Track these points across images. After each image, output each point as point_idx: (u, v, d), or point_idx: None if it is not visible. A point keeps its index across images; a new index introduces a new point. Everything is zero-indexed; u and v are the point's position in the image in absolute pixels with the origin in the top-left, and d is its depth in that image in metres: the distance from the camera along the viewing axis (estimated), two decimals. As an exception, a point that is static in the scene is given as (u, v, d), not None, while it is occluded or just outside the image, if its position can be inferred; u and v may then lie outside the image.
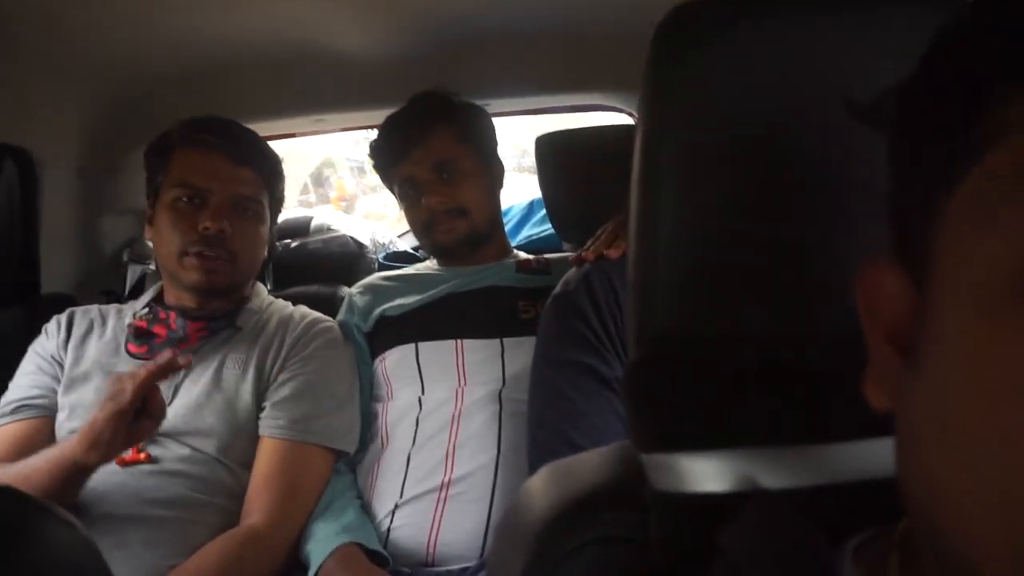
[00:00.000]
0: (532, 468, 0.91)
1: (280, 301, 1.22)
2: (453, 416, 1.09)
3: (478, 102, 1.32)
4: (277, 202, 1.20)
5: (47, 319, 1.15)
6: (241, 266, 1.11)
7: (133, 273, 1.50)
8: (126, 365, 1.06)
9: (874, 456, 0.38)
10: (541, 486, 0.49)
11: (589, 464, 0.49)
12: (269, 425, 1.04)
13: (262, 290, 1.22)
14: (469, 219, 1.21)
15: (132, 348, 1.06)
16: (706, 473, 0.39)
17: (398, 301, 1.21)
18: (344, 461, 1.14)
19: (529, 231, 1.76)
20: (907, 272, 0.29)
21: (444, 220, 1.20)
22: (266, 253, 1.20)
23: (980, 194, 0.25)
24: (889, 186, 0.31)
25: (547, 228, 1.62)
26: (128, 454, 0.98)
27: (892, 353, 0.29)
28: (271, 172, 1.16)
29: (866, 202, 0.39)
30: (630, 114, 1.66)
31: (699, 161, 0.42)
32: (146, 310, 1.11)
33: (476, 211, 1.22)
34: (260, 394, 1.07)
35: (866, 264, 0.30)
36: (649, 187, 0.43)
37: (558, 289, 0.97)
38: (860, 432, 0.38)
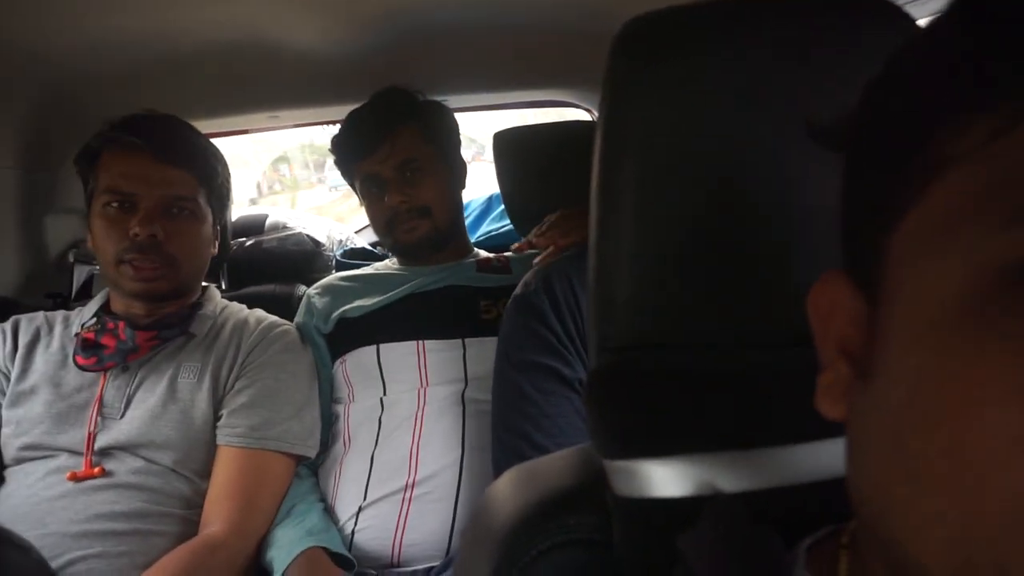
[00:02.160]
0: (497, 469, 0.92)
1: (235, 305, 1.19)
2: (416, 416, 1.09)
3: (436, 98, 1.31)
4: (219, 198, 1.15)
5: None
6: (182, 269, 1.07)
7: (80, 274, 1.45)
8: (74, 378, 1.02)
9: (827, 457, 0.39)
10: (506, 490, 0.50)
11: (553, 468, 0.50)
12: (226, 434, 1.02)
13: (215, 294, 1.19)
14: (431, 219, 1.21)
15: (80, 360, 1.02)
16: (666, 478, 0.40)
17: (358, 302, 1.20)
18: (306, 464, 1.13)
19: (488, 227, 1.76)
20: (859, 289, 0.29)
21: (406, 219, 1.19)
22: (215, 251, 1.16)
23: (925, 224, 0.26)
24: (841, 206, 0.31)
25: (506, 224, 1.62)
26: (81, 469, 0.95)
27: (844, 365, 0.30)
28: (206, 167, 1.11)
29: (819, 215, 0.41)
30: (587, 110, 1.67)
31: (656, 172, 0.42)
32: (94, 320, 1.07)
33: (438, 211, 1.22)
34: (217, 402, 1.04)
35: (820, 277, 0.31)
36: (608, 198, 0.43)
37: (518, 290, 0.98)
38: (813, 434, 0.40)
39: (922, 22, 0.44)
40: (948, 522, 0.23)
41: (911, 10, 0.47)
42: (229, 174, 1.20)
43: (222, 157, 1.17)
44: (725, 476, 0.40)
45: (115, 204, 1.04)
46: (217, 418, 1.04)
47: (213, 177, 1.13)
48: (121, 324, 1.05)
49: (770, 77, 0.42)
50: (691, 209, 0.42)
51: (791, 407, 0.40)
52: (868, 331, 0.28)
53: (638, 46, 0.43)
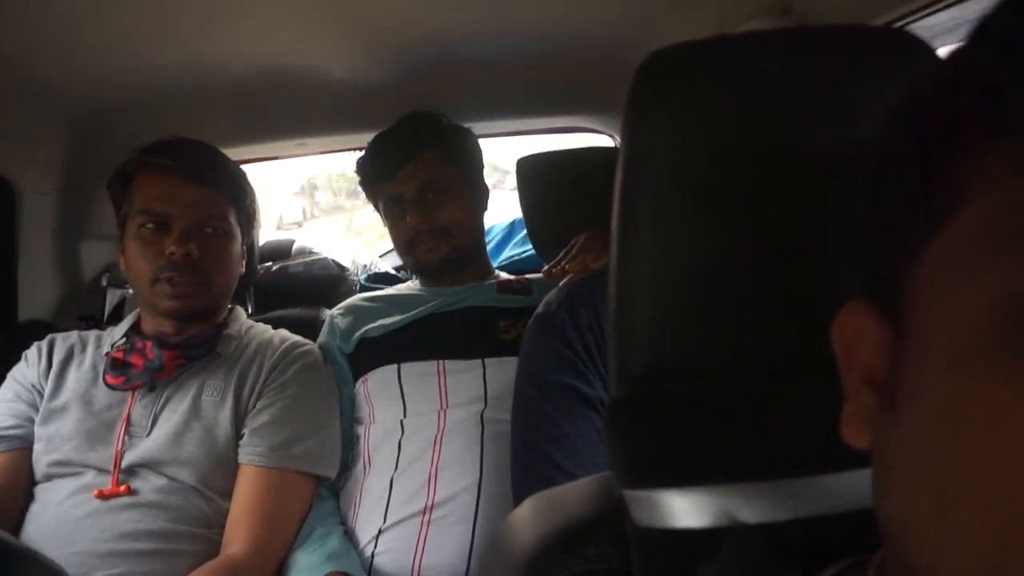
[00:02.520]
0: (516, 490, 0.92)
1: (260, 325, 1.21)
2: (435, 439, 1.09)
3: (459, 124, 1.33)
4: (247, 217, 1.19)
5: (24, 346, 1.14)
6: (215, 287, 1.10)
7: (112, 297, 1.49)
8: (104, 396, 1.05)
9: (848, 488, 0.39)
10: (526, 518, 0.49)
11: (572, 497, 0.50)
12: (248, 452, 1.03)
13: (241, 314, 1.21)
14: (451, 239, 1.22)
15: (109, 379, 1.05)
16: (685, 509, 0.40)
17: (379, 322, 1.21)
18: (326, 486, 1.13)
19: (510, 251, 1.77)
20: (884, 317, 0.29)
21: (427, 239, 1.21)
22: (243, 270, 1.19)
23: (951, 251, 0.25)
24: (863, 234, 0.31)
25: (528, 249, 1.63)
26: (108, 487, 0.97)
27: (869, 395, 0.29)
28: (234, 187, 1.15)
29: (843, 243, 0.40)
30: (610, 136, 1.68)
31: (676, 200, 0.42)
32: (123, 340, 1.10)
33: (459, 232, 1.23)
34: (239, 421, 1.06)
35: (844, 306, 0.31)
36: (628, 225, 0.44)
37: (540, 310, 0.98)
38: (835, 465, 0.39)
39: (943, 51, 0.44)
40: (980, 553, 0.23)
41: (935, 41, 0.47)
42: (255, 195, 1.23)
43: (248, 178, 1.21)
44: (745, 507, 0.39)
45: (150, 225, 1.07)
46: (239, 437, 1.05)
47: (242, 197, 1.16)
48: (149, 343, 1.07)
49: (790, 107, 0.42)
50: (710, 237, 0.42)
51: (811, 437, 0.40)
52: (893, 360, 0.28)
53: (660, 77, 0.44)
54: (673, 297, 0.42)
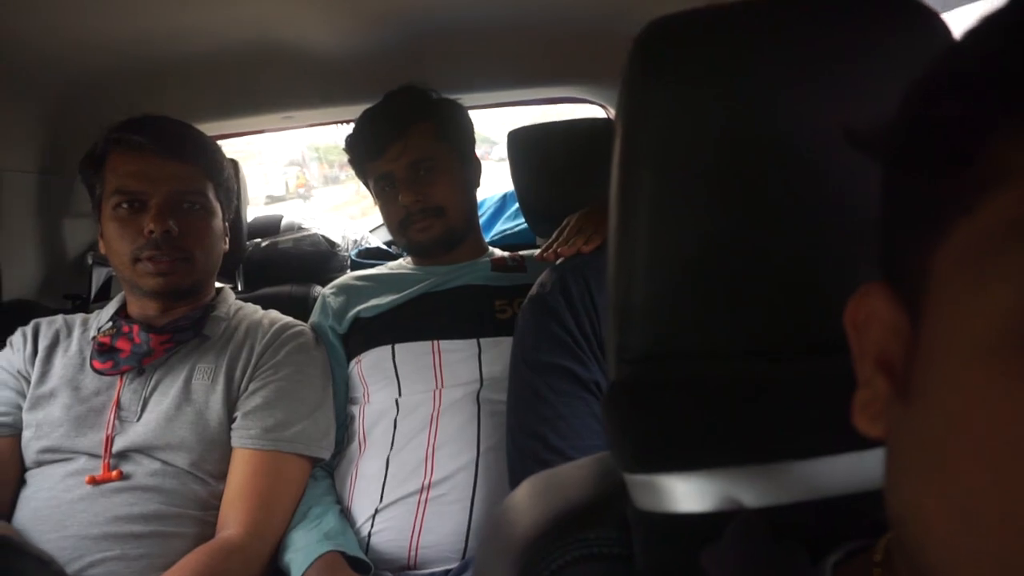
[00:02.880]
0: (512, 471, 0.92)
1: (249, 306, 1.19)
2: (431, 418, 1.09)
3: (450, 96, 1.30)
4: (227, 191, 1.16)
5: (9, 326, 1.12)
6: (198, 264, 1.08)
7: (98, 276, 1.46)
8: (92, 382, 1.03)
9: (853, 470, 0.38)
10: (524, 501, 0.49)
11: (572, 479, 0.49)
12: (241, 435, 1.02)
13: (229, 295, 1.19)
14: (445, 218, 1.20)
15: (97, 364, 1.03)
16: (687, 493, 0.40)
17: (373, 302, 1.20)
18: (322, 466, 1.13)
19: (503, 225, 1.75)
20: (900, 303, 0.28)
21: (420, 219, 1.19)
22: (227, 246, 1.17)
23: (974, 240, 0.24)
24: (881, 216, 0.30)
25: (521, 223, 1.62)
26: (99, 473, 0.96)
27: (882, 381, 0.28)
28: (210, 162, 1.11)
29: (847, 222, 0.39)
30: (602, 106, 1.65)
31: (675, 178, 0.41)
32: (109, 324, 1.08)
33: (452, 210, 1.21)
34: (231, 404, 1.04)
35: (859, 289, 0.30)
36: (626, 205, 0.42)
37: (533, 290, 0.97)
38: (837, 447, 0.38)
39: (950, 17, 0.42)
40: (991, 554, 0.22)
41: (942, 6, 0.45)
42: (232, 168, 1.20)
43: (223, 152, 1.18)
44: (747, 491, 0.39)
45: (125, 205, 1.04)
46: (232, 420, 1.04)
47: (219, 171, 1.13)
48: (136, 327, 1.05)
49: (794, 80, 0.41)
50: (710, 216, 0.41)
51: (814, 418, 0.39)
52: (909, 348, 0.27)
53: (658, 48, 0.42)
54: (673, 278, 0.42)
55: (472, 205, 1.29)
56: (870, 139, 0.30)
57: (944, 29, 0.41)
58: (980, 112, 0.24)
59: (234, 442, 1.02)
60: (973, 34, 0.26)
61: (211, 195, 1.10)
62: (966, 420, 0.23)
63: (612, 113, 1.63)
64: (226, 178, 1.15)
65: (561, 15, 1.22)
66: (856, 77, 0.40)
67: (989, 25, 0.25)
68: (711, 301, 0.41)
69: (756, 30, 0.42)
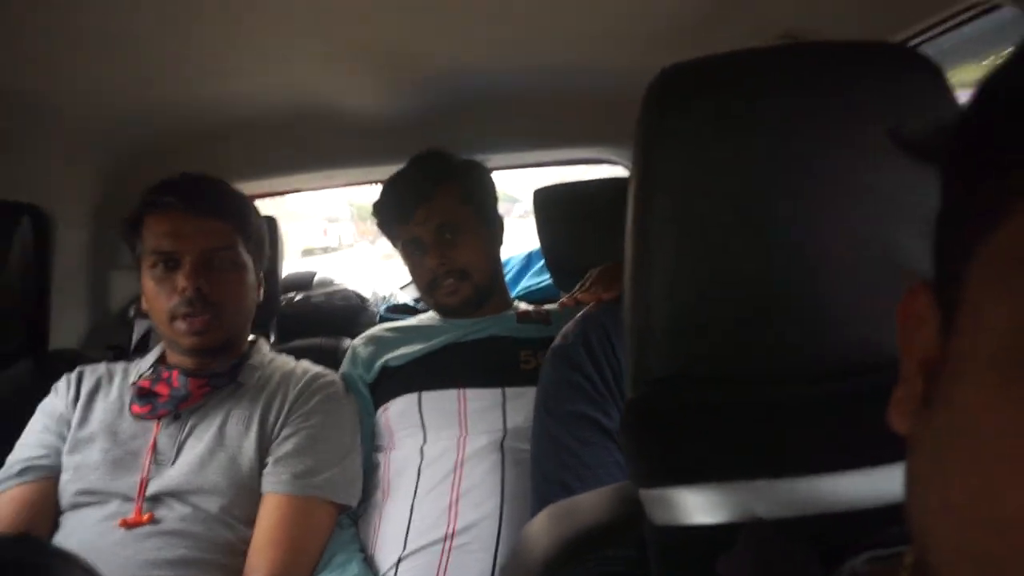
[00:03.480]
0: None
1: (283, 356, 1.23)
2: (456, 465, 1.09)
3: (476, 157, 1.35)
4: (256, 243, 1.19)
5: (55, 374, 1.16)
6: (229, 318, 1.11)
7: (139, 328, 1.51)
8: (130, 426, 1.06)
9: (863, 487, 0.39)
10: (542, 527, 0.50)
11: (588, 504, 0.50)
12: (272, 481, 1.04)
13: (263, 345, 1.23)
14: (470, 280, 1.24)
15: (136, 409, 1.07)
16: (702, 505, 0.41)
17: (401, 351, 1.23)
18: (347, 514, 1.13)
19: (528, 282, 1.78)
20: (941, 308, 0.28)
21: (446, 280, 1.23)
22: (260, 298, 1.20)
23: (1004, 252, 0.25)
24: (937, 218, 0.30)
25: (545, 279, 1.64)
26: (131, 516, 0.98)
27: (920, 381, 0.29)
28: (240, 216, 1.15)
29: (853, 254, 0.42)
30: (625, 166, 1.70)
31: (689, 211, 0.44)
32: (151, 370, 1.12)
33: (477, 272, 1.25)
34: (263, 450, 1.07)
35: (911, 287, 0.30)
36: (642, 237, 0.45)
37: (556, 342, 0.99)
38: (846, 465, 0.39)
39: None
40: (984, 561, 0.23)
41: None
42: (262, 221, 1.24)
43: (253, 205, 1.22)
44: (760, 503, 0.40)
45: (161, 264, 1.09)
46: (263, 465, 1.06)
47: (247, 224, 1.17)
48: (175, 372, 1.09)
49: (800, 121, 0.43)
50: (725, 246, 0.43)
51: (823, 437, 0.40)
52: (941, 356, 0.27)
53: (670, 92, 0.45)
54: (687, 307, 0.43)
55: (496, 263, 1.33)
56: (923, 144, 0.31)
57: (944, 83, 0.44)
58: (997, 143, 0.25)
59: (265, 487, 1.04)
60: (994, 77, 0.27)
61: (241, 249, 1.14)
62: (966, 429, 0.24)
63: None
64: (256, 230, 1.19)
65: (585, 79, 1.28)
66: (861, 117, 0.42)
67: (1005, 71, 0.26)
68: (724, 328, 0.43)
69: (764, 73, 0.44)
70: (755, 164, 0.43)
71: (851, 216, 0.41)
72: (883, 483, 0.31)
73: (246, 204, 1.19)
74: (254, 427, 1.07)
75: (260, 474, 1.05)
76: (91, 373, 1.15)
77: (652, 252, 0.44)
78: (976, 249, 0.25)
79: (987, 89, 0.27)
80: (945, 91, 0.43)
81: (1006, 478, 0.22)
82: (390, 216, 1.28)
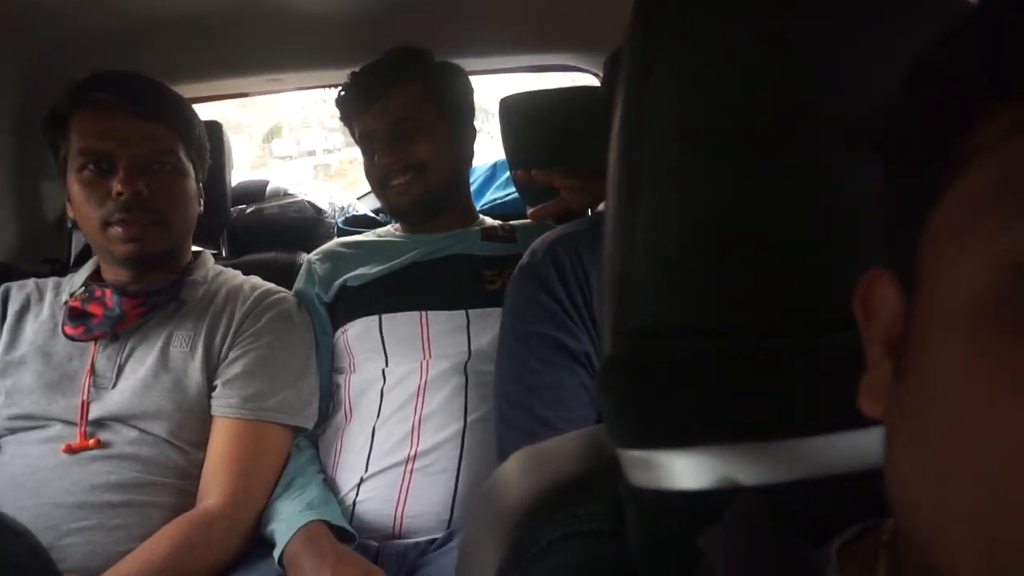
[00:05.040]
0: (500, 442, 0.91)
1: (230, 271, 1.16)
2: (418, 388, 1.08)
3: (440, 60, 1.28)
4: (198, 151, 1.11)
5: None
6: (172, 227, 1.04)
7: (78, 239, 1.43)
8: (64, 347, 1.00)
9: (852, 448, 0.37)
10: (513, 476, 0.48)
11: (561, 452, 0.48)
12: (221, 404, 1.00)
13: (208, 259, 1.16)
14: (425, 178, 1.17)
15: (68, 330, 0.99)
16: (684, 470, 0.38)
17: (360, 270, 1.17)
18: (305, 435, 1.11)
19: (493, 195, 1.73)
20: (898, 282, 0.29)
21: (398, 178, 1.17)
22: (200, 208, 1.12)
23: (950, 218, 0.25)
24: (883, 199, 0.31)
25: (511, 192, 1.60)
26: (76, 441, 0.93)
27: (888, 363, 0.29)
28: (183, 121, 1.07)
29: (850, 199, 0.38)
30: (595, 74, 1.63)
31: (682, 148, 0.39)
32: (82, 288, 1.04)
33: (433, 169, 1.17)
34: (210, 372, 1.02)
35: (865, 275, 0.30)
36: (629, 175, 0.40)
37: (524, 260, 0.95)
38: (838, 425, 0.37)
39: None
40: (973, 521, 0.23)
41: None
42: (204, 128, 1.16)
43: (194, 110, 1.13)
44: (746, 468, 0.38)
45: (91, 166, 1.00)
46: (211, 388, 1.02)
47: (190, 130, 1.09)
48: (108, 291, 1.01)
49: (809, 51, 0.39)
50: (716, 188, 0.39)
51: (815, 396, 0.38)
52: (905, 327, 0.28)
53: (662, 15, 0.40)
54: (675, 252, 0.40)
55: (459, 171, 1.26)
56: (865, 128, 0.32)
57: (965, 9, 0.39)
58: (947, 98, 0.26)
59: (214, 411, 1.00)
60: (949, 32, 0.27)
61: (182, 155, 1.06)
62: (940, 388, 0.24)
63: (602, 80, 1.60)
64: (198, 136, 1.11)
65: None
66: (871, 56, 0.38)
67: (961, 24, 0.27)
68: (713, 276, 0.40)
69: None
70: (758, 95, 0.39)
71: (860, 162, 0.37)
72: (877, 443, 0.29)
73: (187, 107, 1.11)
74: (199, 348, 1.02)
75: (208, 397, 1.01)
76: (18, 290, 1.07)
77: (639, 191, 0.40)
78: (927, 215, 0.26)
79: (925, 66, 0.28)
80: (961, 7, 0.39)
81: (985, 438, 0.22)
82: (348, 108, 1.22)
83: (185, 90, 1.21)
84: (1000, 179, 0.23)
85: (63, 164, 1.04)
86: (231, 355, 1.03)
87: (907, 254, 0.28)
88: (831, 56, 0.38)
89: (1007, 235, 0.23)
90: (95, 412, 0.96)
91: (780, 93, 0.39)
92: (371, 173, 1.21)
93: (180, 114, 1.07)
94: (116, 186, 0.98)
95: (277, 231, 1.55)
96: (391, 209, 1.24)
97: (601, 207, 1.23)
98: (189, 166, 1.08)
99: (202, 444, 0.99)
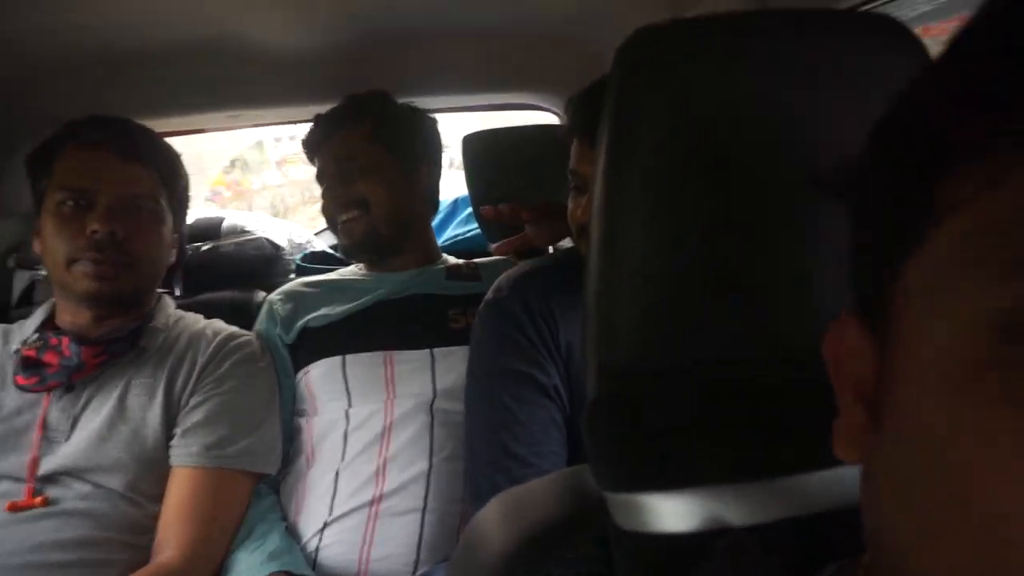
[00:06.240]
0: (471, 479, 0.90)
1: (191, 316, 1.13)
2: (383, 429, 1.06)
3: (402, 100, 1.28)
4: (179, 202, 1.11)
5: None
6: (141, 272, 1.02)
7: (20, 281, 1.37)
8: (13, 399, 0.95)
9: (837, 485, 0.38)
10: (494, 521, 0.47)
11: (545, 495, 0.48)
12: (181, 453, 0.96)
13: (168, 304, 1.13)
14: (370, 216, 1.16)
15: (20, 380, 0.95)
16: (673, 512, 0.38)
17: (323, 311, 1.15)
18: (266, 481, 1.08)
19: (454, 230, 1.73)
20: (872, 334, 0.28)
21: (343, 214, 1.18)
22: (173, 259, 1.11)
23: (925, 274, 0.25)
24: (852, 247, 0.31)
25: (473, 227, 1.60)
26: (21, 499, 0.88)
27: (860, 410, 0.29)
28: (167, 169, 1.07)
29: (831, 235, 0.39)
30: (555, 113, 1.65)
31: (667, 188, 0.40)
32: (35, 335, 1.00)
33: (377, 206, 1.16)
34: (170, 421, 0.98)
35: (833, 322, 0.30)
36: (613, 215, 0.41)
37: (489, 295, 0.95)
38: (823, 462, 0.38)
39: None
40: (965, 572, 0.23)
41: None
42: (188, 180, 1.15)
43: (181, 161, 1.13)
44: (734, 509, 0.38)
45: (71, 202, 0.98)
46: (170, 437, 0.98)
47: (175, 179, 1.08)
48: (65, 340, 0.97)
49: (782, 91, 0.40)
50: (698, 230, 0.40)
51: (799, 433, 0.38)
52: (880, 378, 0.28)
53: (648, 56, 0.41)
54: (661, 293, 0.40)
55: (411, 211, 1.23)
56: (833, 177, 0.32)
57: (919, 50, 0.41)
58: (926, 149, 0.26)
59: (173, 460, 0.96)
60: (923, 76, 0.27)
61: (163, 201, 1.05)
62: (927, 450, 0.24)
63: (563, 119, 1.63)
64: (182, 188, 1.11)
65: (517, 24, 1.21)
66: (841, 91, 0.40)
67: (934, 69, 0.27)
68: (697, 316, 0.40)
69: (743, 38, 0.41)
70: (739, 134, 0.40)
71: (831, 208, 0.39)
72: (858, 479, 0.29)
73: (176, 157, 1.11)
74: (159, 396, 0.98)
75: (167, 447, 0.97)
76: None
77: (623, 230, 0.40)
78: (902, 268, 0.26)
79: (898, 116, 0.28)
80: (920, 58, 0.41)
81: (973, 503, 0.22)
82: (309, 148, 1.26)
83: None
84: (979, 236, 0.23)
85: (41, 196, 1.01)
86: (192, 402, 1.00)
87: (878, 304, 0.28)
88: (802, 107, 0.40)
89: (987, 295, 0.22)
90: (46, 467, 0.91)
91: (752, 140, 0.40)
92: (324, 211, 1.23)
93: (166, 162, 1.07)
94: (92, 224, 0.96)
95: (234, 269, 1.51)
96: (341, 247, 1.26)
97: (564, 243, 1.24)
98: (168, 215, 1.07)
99: (159, 497, 0.95)
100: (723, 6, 0.92)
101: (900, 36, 0.43)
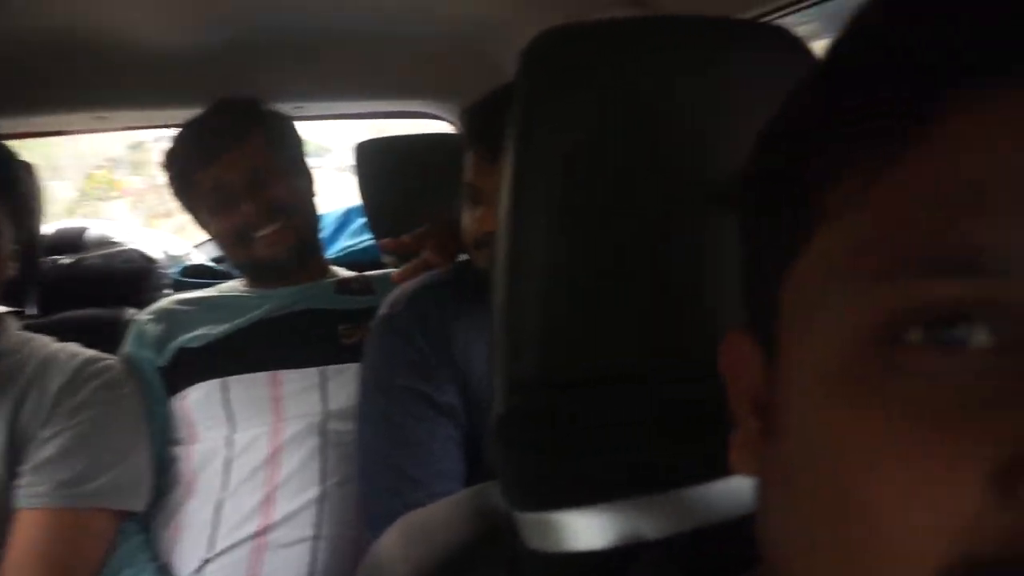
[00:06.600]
0: (367, 507, 0.86)
1: (42, 338, 1.00)
2: (270, 454, 0.99)
3: (287, 105, 1.23)
4: (21, 210, 0.97)
5: None
6: None
7: None
8: None
9: (743, 493, 0.38)
10: (399, 548, 0.45)
11: (448, 518, 0.45)
12: (28, 494, 0.85)
13: (11, 325, 0.99)
14: (295, 223, 1.11)
15: None
16: (586, 529, 0.37)
17: (200, 331, 1.07)
18: (134, 519, 0.98)
19: (347, 241, 1.67)
20: (758, 343, 0.29)
21: (265, 227, 1.08)
22: (13, 272, 0.96)
23: (805, 280, 0.26)
24: (741, 260, 0.31)
25: (366, 238, 1.56)
26: None
27: (754, 421, 0.29)
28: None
29: (726, 254, 0.39)
30: (450, 122, 1.64)
31: (567, 203, 0.39)
32: None
33: (300, 213, 1.13)
34: (14, 458, 0.87)
35: (727, 336, 0.31)
36: (519, 225, 0.40)
37: (383, 310, 0.92)
38: (728, 471, 0.38)
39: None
40: None
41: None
42: (37, 183, 1.02)
43: (18, 164, 1.00)
44: (648, 521, 0.37)
45: None
46: (14, 476, 0.86)
47: (10, 185, 0.95)
48: None
49: (685, 95, 0.40)
50: (600, 241, 0.39)
51: (705, 443, 0.38)
52: (769, 387, 0.28)
53: (553, 58, 0.40)
54: (566, 304, 0.40)
55: (316, 218, 1.21)
56: (724, 190, 0.33)
57: (810, 62, 0.43)
58: (803, 158, 0.26)
59: (19, 502, 0.85)
60: (800, 87, 0.28)
61: None
62: (808, 458, 0.25)
63: (458, 129, 1.62)
64: (21, 193, 0.97)
65: (409, 26, 1.19)
66: (739, 100, 0.40)
67: (810, 80, 0.27)
68: (606, 328, 0.39)
69: (649, 46, 0.42)
70: (644, 135, 0.40)
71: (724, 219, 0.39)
72: None
73: (14, 159, 0.97)
74: (1, 430, 0.87)
75: (10, 488, 0.86)
76: None
77: (530, 241, 0.39)
78: (782, 278, 0.27)
79: (777, 125, 0.29)
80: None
81: (848, 510, 0.22)
82: (189, 162, 1.12)
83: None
84: (854, 242, 0.24)
85: None
86: (42, 435, 0.88)
87: (765, 314, 0.28)
88: (699, 115, 0.40)
89: (860, 299, 0.23)
90: None
91: (657, 148, 0.40)
92: (227, 228, 1.10)
93: None
94: None
95: (99, 285, 1.38)
96: (258, 264, 1.12)
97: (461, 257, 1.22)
98: (3, 224, 0.93)
99: (1, 547, 0.83)
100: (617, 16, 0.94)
101: (793, 47, 0.44)
